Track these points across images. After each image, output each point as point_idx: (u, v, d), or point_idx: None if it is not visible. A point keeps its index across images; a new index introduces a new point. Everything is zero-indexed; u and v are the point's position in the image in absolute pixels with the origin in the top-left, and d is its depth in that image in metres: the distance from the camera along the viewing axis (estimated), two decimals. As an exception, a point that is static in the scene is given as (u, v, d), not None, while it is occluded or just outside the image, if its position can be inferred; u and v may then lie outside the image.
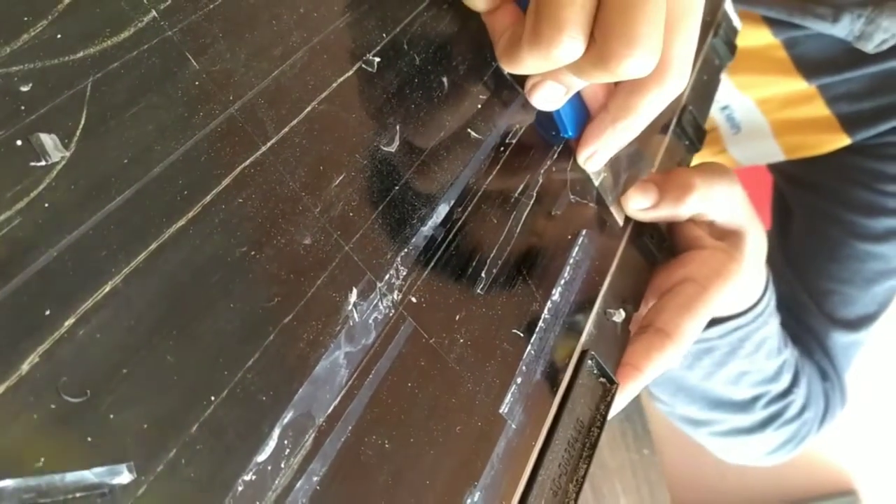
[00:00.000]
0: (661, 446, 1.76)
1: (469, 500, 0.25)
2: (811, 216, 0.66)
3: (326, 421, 0.22)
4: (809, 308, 0.64)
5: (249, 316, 0.21)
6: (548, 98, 0.32)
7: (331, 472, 0.21)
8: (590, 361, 0.31)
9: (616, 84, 0.33)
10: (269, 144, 0.23)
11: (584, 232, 0.34)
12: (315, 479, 0.21)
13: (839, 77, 0.62)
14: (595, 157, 0.34)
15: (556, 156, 0.34)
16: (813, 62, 0.62)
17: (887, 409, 1.56)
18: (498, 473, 0.26)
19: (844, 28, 0.54)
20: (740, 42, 0.63)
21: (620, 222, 0.37)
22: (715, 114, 0.73)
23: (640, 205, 0.37)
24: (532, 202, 0.31)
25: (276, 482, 0.20)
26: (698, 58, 0.48)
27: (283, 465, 0.20)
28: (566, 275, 0.32)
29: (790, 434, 0.63)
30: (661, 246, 0.39)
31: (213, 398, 0.19)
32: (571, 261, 0.33)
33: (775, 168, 0.73)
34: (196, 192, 0.21)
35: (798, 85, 0.64)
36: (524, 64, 0.29)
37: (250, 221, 0.22)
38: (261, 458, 0.20)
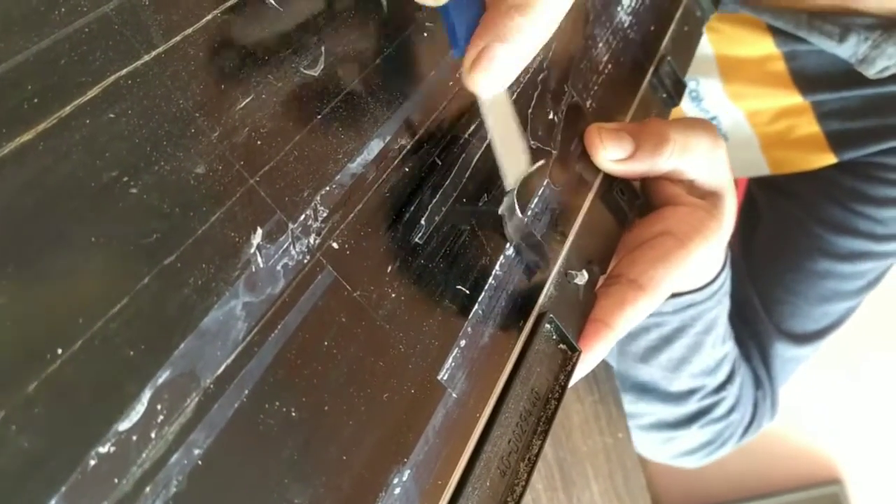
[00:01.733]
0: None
1: (396, 479, 0.21)
2: (780, 223, 0.65)
3: (215, 383, 0.18)
4: (758, 313, 0.63)
5: (117, 253, 0.17)
6: None
7: (217, 444, 0.17)
8: (548, 325, 0.28)
9: None
10: (153, 54, 0.19)
11: (545, 182, 0.30)
12: (196, 451, 0.17)
13: (834, 95, 0.60)
14: (482, 62, 0.24)
15: (514, 97, 0.30)
16: (810, 77, 0.60)
17: (872, 397, 1.54)
18: (433, 449, 0.22)
19: (849, 49, 0.52)
20: (741, 51, 0.61)
21: (508, 186, 0.27)
22: None
23: (615, 155, 0.33)
24: (485, 145, 0.28)
25: (144, 455, 0.16)
26: (679, 6, 0.45)
27: (153, 435, 0.16)
28: (523, 227, 0.28)
29: (713, 434, 0.61)
30: (632, 203, 0.35)
31: (59, 351, 0.15)
32: (529, 212, 0.29)
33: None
34: (50, 100, 0.17)
35: (792, 99, 0.62)
36: None
37: (124, 141, 0.18)
38: (123, 426, 0.16)
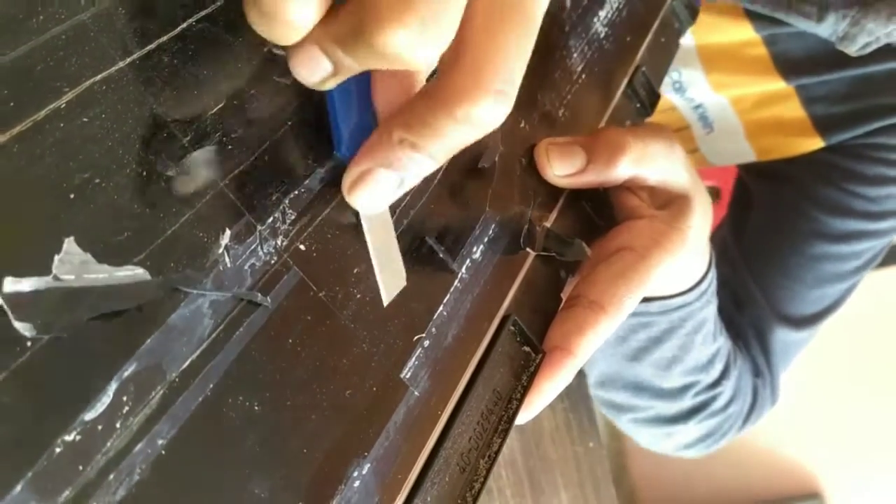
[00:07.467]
0: (626, 446, 1.74)
1: (356, 473, 0.22)
2: (774, 208, 0.65)
3: (181, 376, 0.19)
4: (757, 300, 0.63)
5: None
6: (309, 67, 0.21)
7: (181, 435, 0.18)
8: (512, 327, 0.29)
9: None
10: (128, 60, 0.20)
11: (511, 193, 0.31)
12: (160, 441, 0.18)
13: (818, 78, 0.61)
14: (365, 184, 0.22)
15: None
16: (793, 61, 0.61)
17: (853, 412, 1.56)
18: (394, 444, 0.23)
19: (829, 28, 0.52)
20: (719, 37, 0.61)
21: (385, 301, 0.24)
22: (687, 113, 0.71)
23: (563, 171, 0.33)
24: (454, 152, 0.29)
25: (108, 444, 0.17)
26: (656, 18, 0.46)
27: (118, 426, 0.17)
28: (491, 232, 0.29)
29: (712, 427, 0.61)
30: (600, 212, 0.36)
31: (29, 343, 0.16)
32: (498, 218, 0.30)
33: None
34: (25, 105, 0.18)
35: (775, 84, 0.62)
36: (250, 19, 0.19)
37: (97, 145, 0.19)
38: (90, 415, 0.17)
